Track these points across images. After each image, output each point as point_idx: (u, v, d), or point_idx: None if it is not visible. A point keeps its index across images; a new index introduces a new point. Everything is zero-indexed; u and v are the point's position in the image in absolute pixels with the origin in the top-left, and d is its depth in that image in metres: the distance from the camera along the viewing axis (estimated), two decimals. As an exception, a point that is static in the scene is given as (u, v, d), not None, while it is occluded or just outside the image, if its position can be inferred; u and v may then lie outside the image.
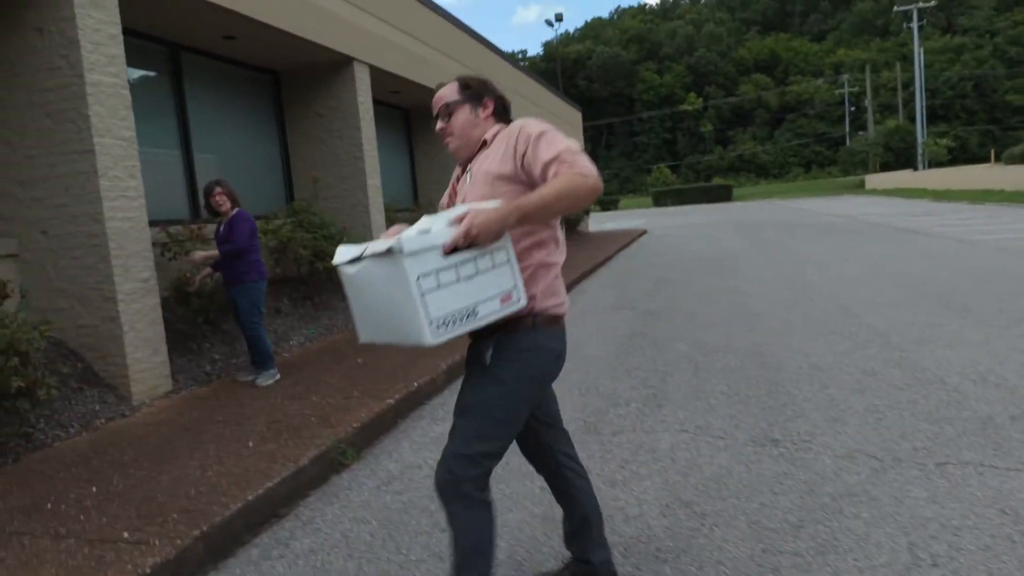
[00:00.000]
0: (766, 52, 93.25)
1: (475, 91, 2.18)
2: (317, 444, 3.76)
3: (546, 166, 1.92)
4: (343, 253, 1.99)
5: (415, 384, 4.89)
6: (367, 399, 4.60)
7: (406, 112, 12.03)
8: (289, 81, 8.52)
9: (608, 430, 4.07)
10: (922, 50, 48.36)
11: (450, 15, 11.33)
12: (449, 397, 5.05)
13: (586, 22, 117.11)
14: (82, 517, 3.07)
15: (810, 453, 3.52)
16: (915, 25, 47.00)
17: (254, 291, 5.23)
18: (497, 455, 2.07)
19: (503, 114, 2.23)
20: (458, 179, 2.27)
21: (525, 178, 2.00)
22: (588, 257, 13.97)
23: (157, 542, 2.74)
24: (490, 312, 1.93)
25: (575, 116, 22.58)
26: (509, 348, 2.04)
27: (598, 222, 29.12)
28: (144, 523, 2.94)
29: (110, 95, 4.86)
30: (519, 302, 1.99)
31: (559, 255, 2.13)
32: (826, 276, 9.54)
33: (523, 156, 1.98)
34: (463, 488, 1.99)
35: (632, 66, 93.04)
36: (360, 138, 8.29)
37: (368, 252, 1.86)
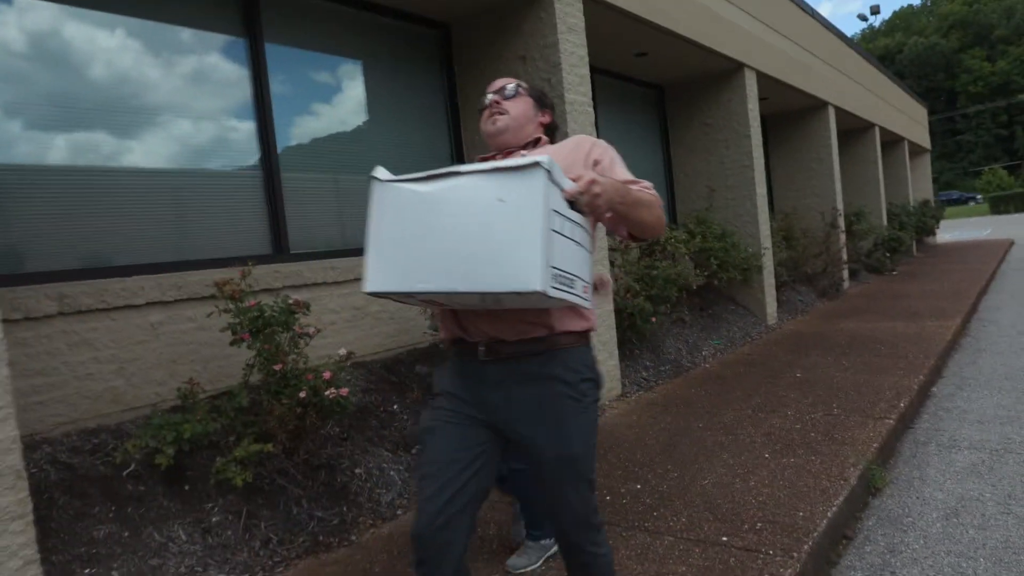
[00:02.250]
0: None
1: (541, 96, 2.09)
2: (851, 462, 3.50)
3: (625, 183, 1.72)
4: (386, 173, 1.67)
5: (901, 404, 4.43)
6: (857, 416, 4.25)
7: (763, 120, 11.55)
8: (673, 94, 8.57)
9: None
10: None
11: (822, 17, 10.66)
12: (934, 423, 4.50)
13: (894, 12, 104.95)
14: (649, 518, 3.13)
15: None
16: None
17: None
18: None
19: (551, 133, 2.12)
20: None
21: None
22: (973, 271, 12.17)
23: (771, 552, 2.66)
24: (578, 294, 1.59)
25: (920, 112, 20.12)
26: (579, 371, 1.80)
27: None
28: (732, 529, 2.90)
29: (580, 112, 5.17)
30: (589, 300, 1.67)
31: None
32: None
33: (595, 164, 1.83)
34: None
35: (953, 55, 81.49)
36: (749, 146, 8.04)
37: (481, 168, 1.51)
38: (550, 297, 1.44)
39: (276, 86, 4.39)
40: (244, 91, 4.24)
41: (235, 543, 2.99)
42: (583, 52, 5.22)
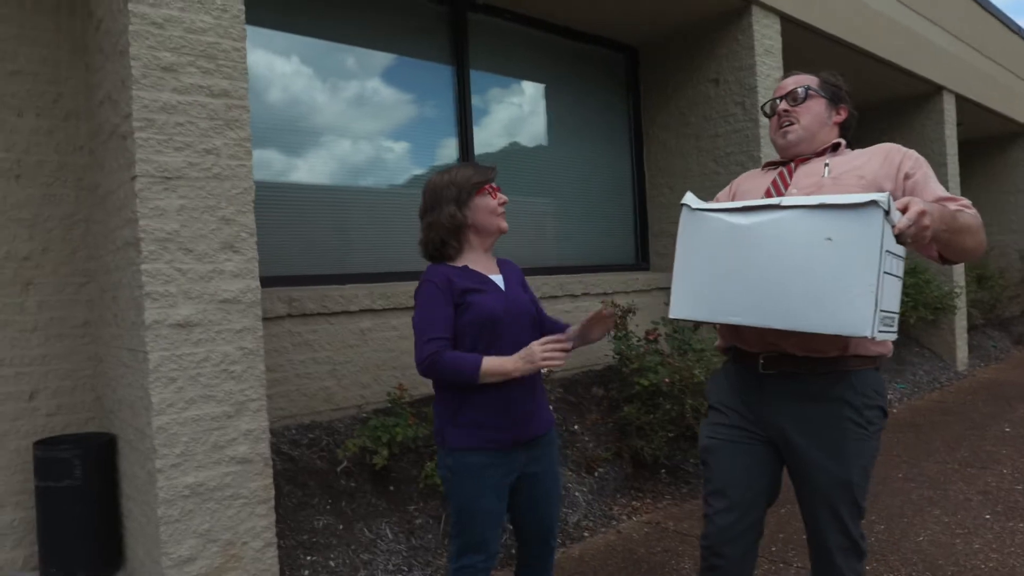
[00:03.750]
0: None
1: (838, 92, 1.88)
2: (1099, 536, 3.11)
3: (940, 201, 1.58)
4: (697, 200, 1.65)
5: None
6: (1094, 484, 3.78)
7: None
8: (861, 119, 8.08)
9: None
10: None
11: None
12: None
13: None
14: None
15: None
16: None
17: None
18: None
19: (847, 131, 1.91)
20: (777, 182, 1.83)
21: None
22: None
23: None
24: (895, 330, 1.50)
25: None
26: (868, 396, 1.70)
27: None
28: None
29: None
30: (896, 332, 1.53)
31: None
32: None
33: (906, 178, 1.68)
34: None
35: None
36: (945, 175, 7.43)
37: (805, 202, 1.44)
38: (881, 339, 1.40)
39: (476, 110, 4.58)
40: (449, 115, 4.45)
41: (435, 547, 3.09)
42: (778, 75, 5.04)
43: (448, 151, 4.44)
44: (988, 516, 3.41)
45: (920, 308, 6.51)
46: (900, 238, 1.42)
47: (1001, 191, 10.27)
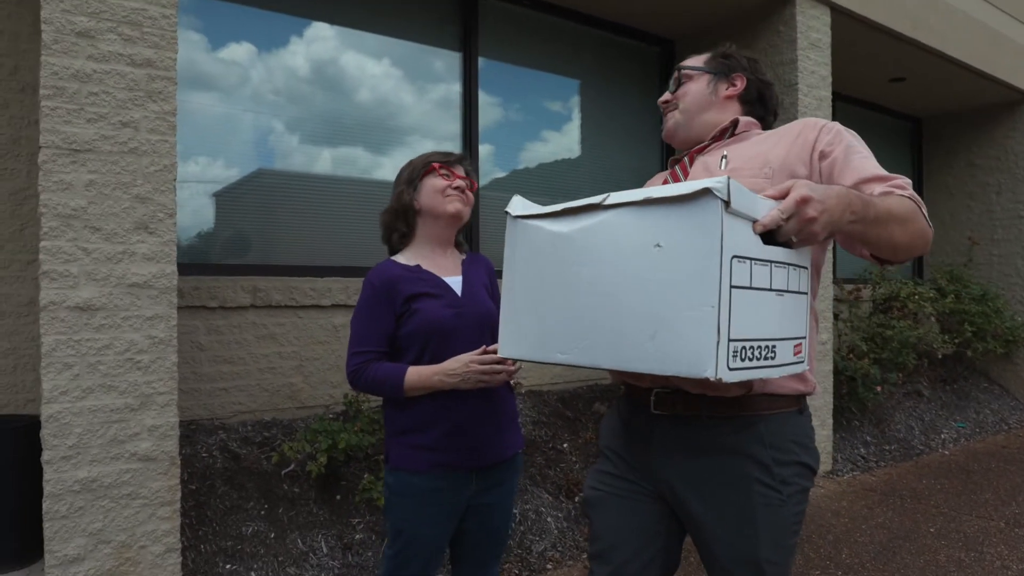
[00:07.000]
0: None
1: (726, 64, 1.53)
2: None
3: (865, 182, 1.24)
4: (523, 205, 1.28)
5: None
6: None
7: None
8: (933, 128, 7.41)
9: None
10: None
11: None
12: None
13: None
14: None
15: None
16: None
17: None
18: None
19: (758, 104, 1.54)
20: (668, 181, 1.49)
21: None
22: None
23: None
24: (783, 362, 1.11)
25: None
26: (783, 449, 1.29)
27: None
28: None
29: (813, 141, 4.52)
30: (803, 362, 1.18)
31: None
32: None
33: (822, 158, 1.31)
34: None
35: None
36: (1030, 194, 6.68)
37: (630, 198, 1.08)
38: (730, 384, 1.02)
39: (485, 103, 4.32)
40: (453, 108, 4.21)
41: (373, 566, 2.84)
42: (825, 72, 4.57)
43: (448, 147, 4.19)
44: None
45: (987, 339, 5.83)
46: (775, 236, 1.06)
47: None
